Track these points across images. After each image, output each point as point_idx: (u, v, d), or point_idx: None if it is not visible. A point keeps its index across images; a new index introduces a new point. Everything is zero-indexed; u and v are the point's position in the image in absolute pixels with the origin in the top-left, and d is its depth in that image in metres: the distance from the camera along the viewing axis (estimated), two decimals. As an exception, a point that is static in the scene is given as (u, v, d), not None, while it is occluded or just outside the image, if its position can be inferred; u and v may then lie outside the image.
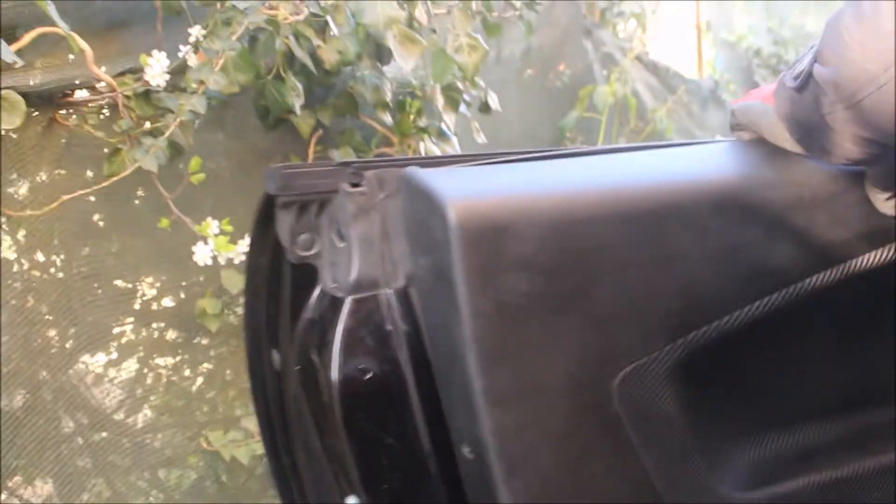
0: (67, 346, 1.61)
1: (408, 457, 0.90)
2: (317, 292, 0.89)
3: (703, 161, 0.99)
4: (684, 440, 0.92)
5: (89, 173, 1.56)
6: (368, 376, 0.86)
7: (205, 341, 1.81)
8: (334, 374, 0.85)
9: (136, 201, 1.63)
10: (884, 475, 1.03)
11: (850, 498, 1.02)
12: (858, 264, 0.93)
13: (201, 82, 1.38)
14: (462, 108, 2.02)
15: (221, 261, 1.43)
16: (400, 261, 0.86)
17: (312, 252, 0.88)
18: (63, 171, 1.49)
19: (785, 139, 0.92)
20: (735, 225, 0.90)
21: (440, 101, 1.88)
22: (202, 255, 1.42)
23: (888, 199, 0.90)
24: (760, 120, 0.95)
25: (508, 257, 0.80)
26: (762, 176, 0.93)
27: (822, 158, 0.88)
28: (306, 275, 0.91)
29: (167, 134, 1.39)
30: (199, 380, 1.83)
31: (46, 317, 1.56)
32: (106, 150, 1.48)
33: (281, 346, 0.96)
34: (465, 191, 0.80)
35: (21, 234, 1.49)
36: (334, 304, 0.87)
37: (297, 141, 1.87)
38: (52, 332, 1.58)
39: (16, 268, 1.52)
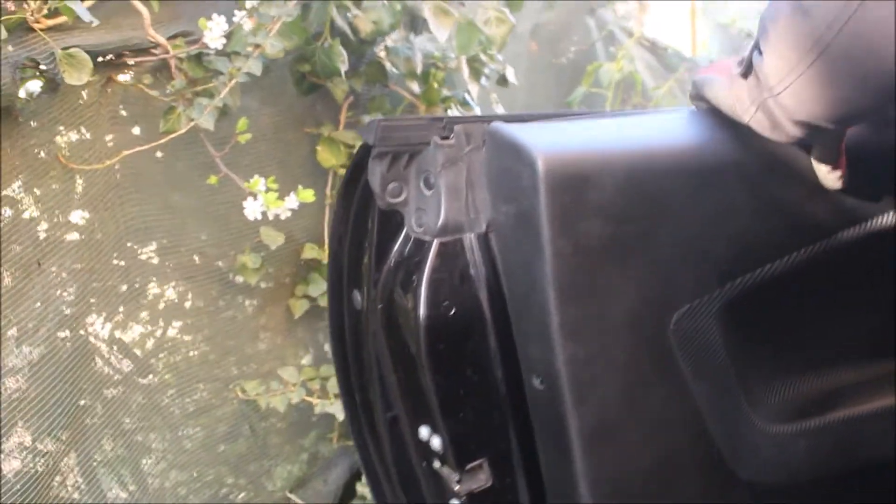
0: (94, 300, 1.67)
1: (482, 388, 0.99)
2: (402, 237, 0.97)
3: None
4: (728, 376, 1.02)
5: (137, 131, 1.63)
6: (452, 312, 0.95)
7: (238, 298, 1.89)
8: (422, 309, 0.94)
9: (179, 161, 1.71)
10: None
11: (868, 433, 1.13)
12: (882, 222, 1.04)
13: (257, 46, 1.45)
14: (482, 80, 2.10)
15: (270, 216, 1.51)
16: (482, 208, 0.95)
17: (400, 199, 0.96)
18: (117, 128, 1.55)
19: (740, 115, 0.94)
20: (780, 183, 0.99)
21: (466, 71, 1.96)
22: (252, 210, 1.49)
23: (830, 171, 0.97)
24: (718, 94, 0.97)
25: (586, 204, 0.89)
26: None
27: (773, 136, 0.91)
28: (389, 222, 0.99)
29: (223, 94, 1.46)
30: (231, 336, 1.91)
31: (77, 274, 1.62)
32: (159, 110, 1.55)
33: (363, 287, 1.04)
34: (549, 143, 0.89)
35: (53, 189, 1.54)
36: (420, 247, 0.95)
37: (328, 107, 1.95)
38: (74, 289, 1.63)
39: (45, 225, 1.57)
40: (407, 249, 0.97)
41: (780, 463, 1.08)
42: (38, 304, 1.54)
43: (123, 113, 1.57)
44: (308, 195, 1.51)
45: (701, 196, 0.95)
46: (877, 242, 1.03)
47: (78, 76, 1.35)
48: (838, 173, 0.98)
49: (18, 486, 1.47)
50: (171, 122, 1.49)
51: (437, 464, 1.04)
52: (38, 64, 1.35)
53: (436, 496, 1.08)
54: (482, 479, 1.02)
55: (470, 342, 0.97)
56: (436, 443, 1.01)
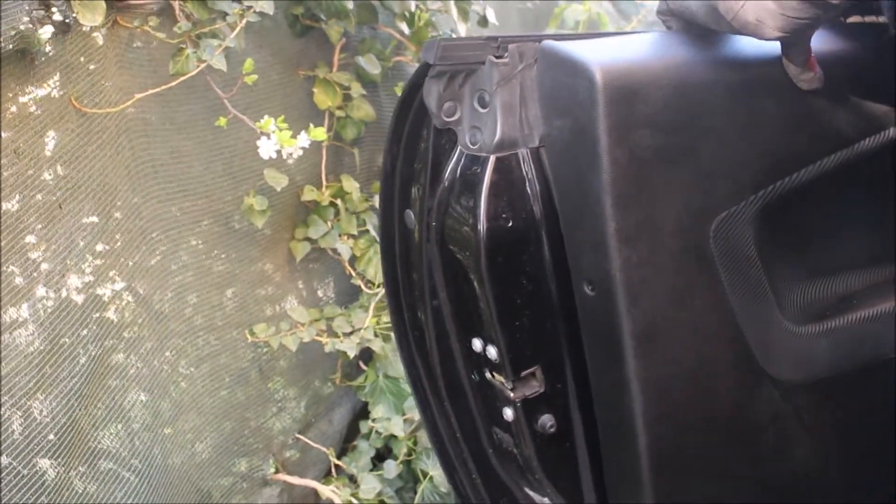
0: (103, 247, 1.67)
1: (536, 297, 1.04)
2: (455, 155, 1.01)
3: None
4: (760, 279, 1.08)
5: (144, 75, 1.62)
6: (509, 225, 0.99)
7: (240, 242, 1.90)
8: (482, 222, 0.98)
9: (182, 105, 1.71)
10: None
11: (881, 333, 1.21)
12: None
13: (267, -16, 1.46)
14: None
15: (284, 155, 1.53)
16: (534, 124, 0.99)
17: (454, 118, 1.00)
18: (124, 72, 1.55)
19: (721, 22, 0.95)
20: (804, 94, 1.05)
21: (454, 11, 1.99)
22: (266, 149, 1.51)
23: (802, 73, 1.01)
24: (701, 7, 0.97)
25: (639, 115, 0.94)
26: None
27: (757, 34, 0.93)
28: (442, 141, 1.03)
29: (233, 34, 1.47)
30: (232, 280, 1.93)
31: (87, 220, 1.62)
32: (165, 53, 1.55)
33: (414, 206, 1.08)
34: (603, 58, 0.93)
35: (66, 134, 1.53)
36: (475, 163, 0.99)
37: (319, 49, 1.96)
38: (86, 235, 1.62)
39: (47, 175, 1.57)
40: (461, 167, 1.01)
41: (805, 361, 1.15)
42: (49, 250, 1.54)
43: (130, 56, 1.56)
44: (320, 133, 1.53)
45: (738, 109, 1.01)
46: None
47: (92, 17, 1.36)
48: (811, 74, 1.02)
49: (52, 437, 1.49)
50: (181, 64, 1.50)
51: (488, 374, 1.09)
52: (51, 6, 1.35)
53: (486, 406, 1.14)
54: (535, 386, 1.07)
55: (525, 254, 1.02)
56: (491, 352, 1.06)
